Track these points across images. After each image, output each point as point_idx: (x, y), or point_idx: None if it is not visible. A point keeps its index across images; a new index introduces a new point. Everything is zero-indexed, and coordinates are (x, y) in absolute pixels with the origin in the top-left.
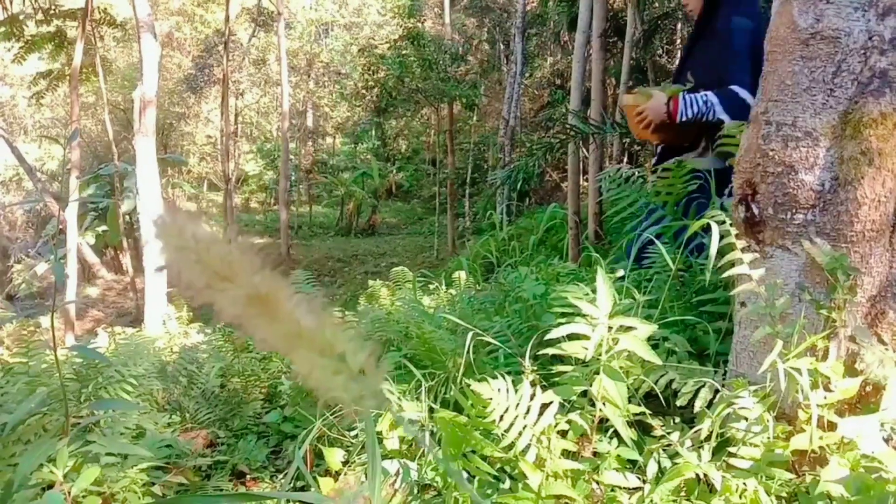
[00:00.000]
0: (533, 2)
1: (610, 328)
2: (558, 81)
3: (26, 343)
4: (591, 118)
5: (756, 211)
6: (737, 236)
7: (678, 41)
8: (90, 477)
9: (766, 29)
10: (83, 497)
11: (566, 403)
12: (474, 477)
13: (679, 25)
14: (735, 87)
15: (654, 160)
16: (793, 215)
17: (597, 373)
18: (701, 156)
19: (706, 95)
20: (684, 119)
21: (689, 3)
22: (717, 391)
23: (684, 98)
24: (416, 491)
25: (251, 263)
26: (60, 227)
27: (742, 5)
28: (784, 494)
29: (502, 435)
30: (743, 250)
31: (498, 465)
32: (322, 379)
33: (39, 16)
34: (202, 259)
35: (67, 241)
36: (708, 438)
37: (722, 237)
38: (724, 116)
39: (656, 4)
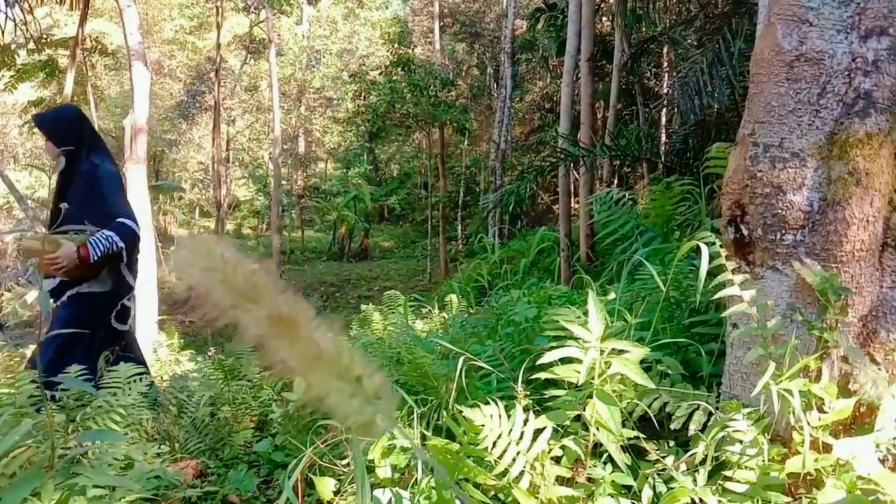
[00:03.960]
0: (521, 27)
1: (602, 351)
2: (548, 105)
3: (13, 373)
4: (580, 141)
5: (745, 232)
6: (727, 257)
7: (665, 64)
8: None
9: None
10: None
11: (559, 428)
12: None
13: (665, 49)
14: (122, 219)
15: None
16: (782, 236)
17: (590, 397)
18: (101, 281)
19: (105, 233)
20: (96, 258)
21: (50, 155)
22: (710, 414)
23: (91, 242)
24: None
25: (275, 285)
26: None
27: (99, 152)
28: None
29: (495, 462)
30: (733, 271)
31: (491, 493)
32: (337, 401)
33: (31, 45)
34: (228, 280)
35: None
36: (703, 462)
37: (712, 258)
38: (122, 244)
39: (643, 29)
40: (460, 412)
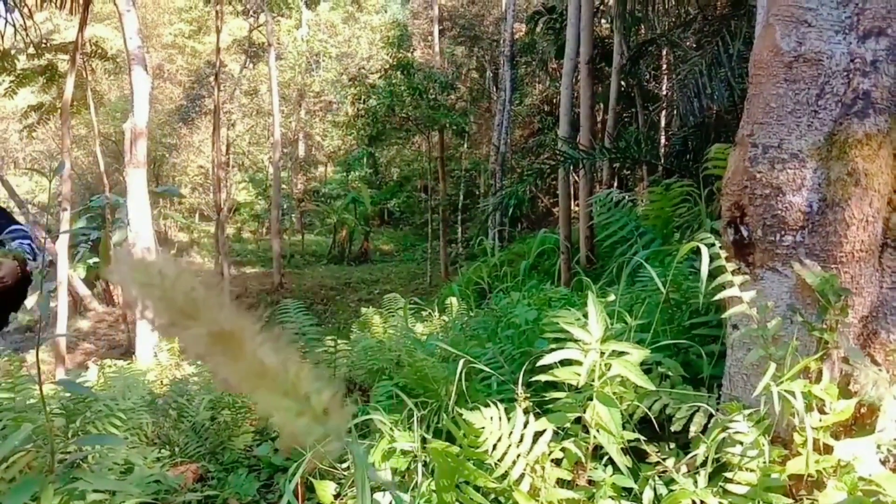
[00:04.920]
0: (520, 30)
1: (602, 353)
2: (547, 108)
3: (13, 377)
4: (580, 144)
5: (745, 233)
6: (726, 259)
7: (664, 66)
8: None
9: None
10: None
11: (560, 431)
12: None
13: (664, 51)
14: (20, 227)
15: None
16: (782, 237)
17: (590, 399)
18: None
19: (23, 243)
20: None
21: None
22: (711, 416)
23: (25, 253)
24: None
25: (216, 300)
26: (50, 259)
27: None
28: None
29: (496, 464)
30: (733, 273)
31: (492, 496)
32: (285, 420)
33: (31, 49)
34: (167, 295)
35: (58, 274)
36: (704, 464)
37: (712, 260)
38: (39, 252)
39: (642, 31)
40: (460, 415)
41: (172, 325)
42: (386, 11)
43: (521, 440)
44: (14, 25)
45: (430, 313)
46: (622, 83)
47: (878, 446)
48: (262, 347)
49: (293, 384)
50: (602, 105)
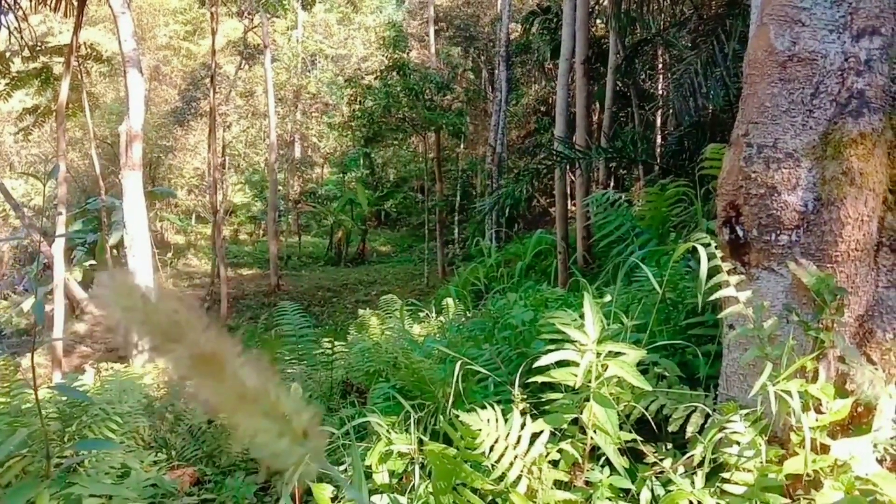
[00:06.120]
0: (516, 30)
1: (599, 354)
2: (543, 108)
3: (8, 382)
4: (576, 144)
5: (740, 233)
6: (722, 258)
7: (659, 66)
8: None
9: None
10: None
11: (557, 432)
12: None
13: (659, 51)
14: None
15: None
16: (777, 237)
17: (587, 400)
18: None
19: None
20: None
21: None
22: (708, 416)
23: None
24: None
25: (198, 323)
26: (46, 262)
27: None
28: None
29: (493, 466)
30: (729, 272)
31: (489, 498)
32: (265, 442)
33: (26, 52)
34: (149, 319)
35: (54, 277)
36: (701, 464)
37: (708, 260)
38: None
39: (637, 31)
40: (457, 417)
41: (155, 349)
42: (381, 12)
43: (518, 442)
44: (9, 28)
45: (427, 314)
46: (618, 83)
47: (875, 445)
48: (243, 369)
49: (273, 405)
50: (598, 105)
